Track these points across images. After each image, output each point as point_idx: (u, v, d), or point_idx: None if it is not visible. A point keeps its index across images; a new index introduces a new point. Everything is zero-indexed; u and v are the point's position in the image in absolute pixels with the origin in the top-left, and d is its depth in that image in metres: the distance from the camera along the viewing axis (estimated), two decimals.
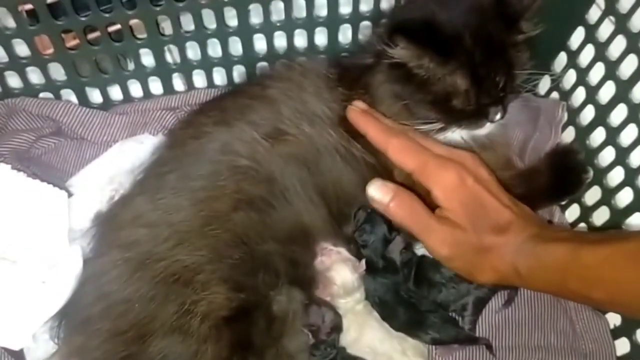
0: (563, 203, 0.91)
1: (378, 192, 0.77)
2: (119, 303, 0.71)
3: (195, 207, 0.75)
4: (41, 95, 0.92)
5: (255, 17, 0.89)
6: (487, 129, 0.78)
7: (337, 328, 0.78)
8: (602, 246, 0.68)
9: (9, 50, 0.85)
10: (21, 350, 0.77)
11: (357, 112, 0.79)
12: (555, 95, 0.95)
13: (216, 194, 0.76)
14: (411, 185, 0.78)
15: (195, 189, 0.76)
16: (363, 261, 0.81)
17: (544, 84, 0.95)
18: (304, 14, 0.89)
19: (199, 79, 0.96)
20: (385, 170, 0.80)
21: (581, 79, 0.87)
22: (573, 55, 0.88)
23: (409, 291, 0.82)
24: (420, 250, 0.85)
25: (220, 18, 0.87)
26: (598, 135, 0.85)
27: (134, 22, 0.85)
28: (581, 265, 0.68)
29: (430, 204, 0.75)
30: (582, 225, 0.88)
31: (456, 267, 0.77)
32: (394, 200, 0.76)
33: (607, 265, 0.67)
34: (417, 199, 0.75)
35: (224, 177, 0.76)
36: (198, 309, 0.69)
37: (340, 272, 0.80)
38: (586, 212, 0.87)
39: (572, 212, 0.90)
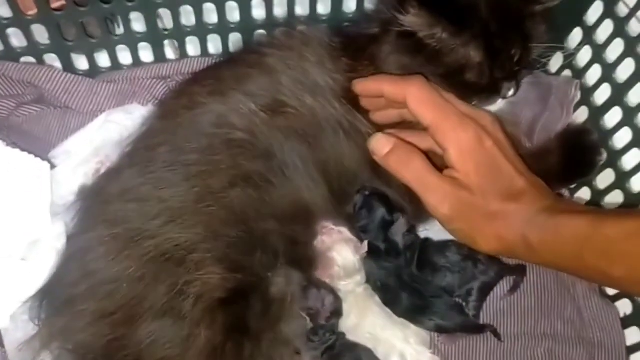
0: (573, 186, 0.88)
1: (377, 143, 0.72)
2: (106, 283, 0.67)
3: (189, 183, 0.71)
4: (23, 59, 0.88)
5: None
6: (496, 105, 0.75)
7: (337, 313, 0.75)
8: (627, 219, 0.64)
9: None
10: None
11: (364, 79, 0.74)
12: (567, 73, 0.92)
13: (211, 168, 0.72)
14: None
15: (189, 163, 0.73)
16: (365, 242, 0.78)
17: (555, 61, 0.92)
18: None
19: (192, 46, 0.92)
20: None
21: (597, 57, 0.84)
22: (589, 32, 0.85)
23: (412, 275, 0.79)
24: (423, 233, 0.83)
25: None
26: (614, 116, 0.83)
27: None
28: (602, 239, 0.64)
29: (441, 166, 0.72)
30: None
31: (457, 229, 0.72)
32: (392, 152, 0.71)
33: (633, 239, 0.63)
34: (418, 152, 0.71)
35: (219, 151, 0.73)
36: (191, 290, 0.66)
37: (341, 252, 0.78)
38: (597, 196, 0.85)
39: (582, 196, 0.88)
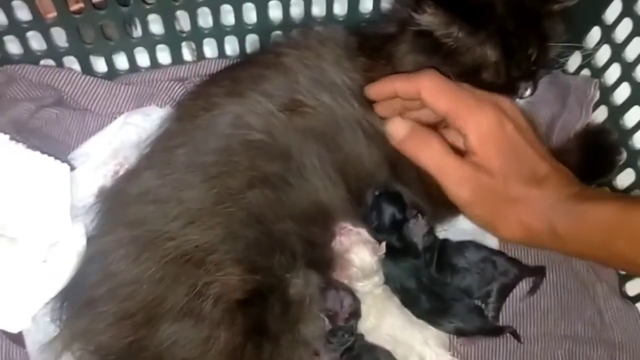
0: (592, 186, 0.86)
1: (394, 126, 0.71)
2: (126, 284, 0.67)
3: (207, 184, 0.71)
4: (42, 62, 0.89)
5: None
6: None
7: (355, 314, 0.75)
8: None
9: (9, 13, 0.80)
10: (20, 333, 0.75)
11: (376, 83, 0.73)
12: (586, 72, 0.91)
13: (229, 169, 0.72)
14: None
15: (207, 165, 0.73)
16: (383, 244, 0.78)
17: (574, 60, 0.91)
18: None
19: (209, 48, 0.92)
20: None
21: (616, 55, 0.83)
22: (608, 30, 0.84)
23: (431, 278, 0.79)
24: (442, 234, 0.82)
25: None
26: (633, 115, 0.82)
27: None
28: (632, 226, 0.62)
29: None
30: None
31: (477, 214, 0.69)
32: (409, 136, 0.70)
33: None
34: (436, 135, 0.69)
35: (237, 152, 0.73)
36: (210, 291, 0.66)
37: (359, 253, 0.77)
38: None
39: None
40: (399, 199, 0.78)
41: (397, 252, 0.78)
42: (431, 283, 0.78)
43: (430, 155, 0.69)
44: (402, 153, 0.71)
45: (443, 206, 0.79)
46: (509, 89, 0.72)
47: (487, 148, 0.67)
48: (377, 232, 0.79)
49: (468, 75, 0.71)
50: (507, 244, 0.76)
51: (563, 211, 0.65)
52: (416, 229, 0.78)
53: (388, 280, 0.78)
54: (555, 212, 0.65)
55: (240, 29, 0.89)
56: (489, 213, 0.68)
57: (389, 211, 0.78)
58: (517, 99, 0.73)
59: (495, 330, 0.78)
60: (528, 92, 0.73)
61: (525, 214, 0.67)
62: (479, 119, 0.66)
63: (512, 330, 0.78)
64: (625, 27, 0.81)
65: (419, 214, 0.78)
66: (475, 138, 0.66)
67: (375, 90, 0.74)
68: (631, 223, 0.62)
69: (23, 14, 0.81)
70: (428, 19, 0.69)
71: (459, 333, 0.78)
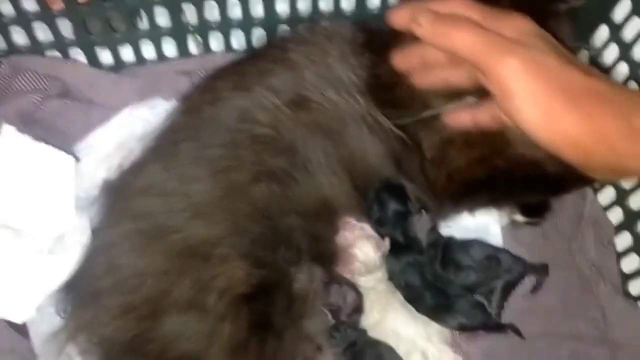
0: (597, 185, 0.87)
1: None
2: (131, 277, 0.68)
3: (213, 178, 0.71)
4: (48, 53, 0.88)
5: None
6: None
7: (358, 309, 0.75)
8: None
9: (16, 3, 0.80)
10: (24, 324, 0.75)
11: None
12: None
13: (235, 164, 0.72)
14: (441, 159, 0.75)
15: (213, 159, 0.73)
16: (387, 240, 0.78)
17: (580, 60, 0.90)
18: None
19: (215, 41, 0.91)
20: (415, 142, 0.76)
21: (624, 55, 0.82)
22: (616, 29, 0.83)
23: (435, 274, 0.79)
24: (446, 231, 0.82)
25: None
26: None
27: None
28: None
29: None
30: (618, 209, 0.85)
31: (531, 101, 0.54)
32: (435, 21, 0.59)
33: None
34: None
35: (243, 147, 0.73)
36: (215, 284, 0.67)
37: (362, 248, 0.78)
38: (622, 195, 0.84)
39: (607, 195, 0.87)
40: (401, 192, 0.78)
41: (401, 248, 0.78)
42: (435, 279, 0.78)
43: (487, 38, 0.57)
44: (433, 42, 0.60)
45: (447, 201, 0.79)
46: None
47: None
48: (379, 225, 0.79)
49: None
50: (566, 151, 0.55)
51: None
52: (420, 224, 0.78)
53: (392, 277, 0.78)
54: (633, 107, 0.53)
55: (247, 23, 0.88)
56: (547, 96, 0.54)
57: (390, 203, 0.78)
58: None
59: (497, 327, 0.78)
60: None
61: (594, 103, 0.54)
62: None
63: (514, 328, 0.78)
64: (634, 26, 0.80)
65: (422, 210, 0.78)
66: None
67: (399, 60, 0.68)
68: None
69: (29, 4, 0.80)
70: None
71: (463, 329, 0.78)
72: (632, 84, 0.81)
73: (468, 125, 0.67)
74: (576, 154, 0.54)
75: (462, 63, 0.58)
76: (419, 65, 0.66)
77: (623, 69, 0.83)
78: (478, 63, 0.56)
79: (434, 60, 0.64)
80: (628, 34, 0.82)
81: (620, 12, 0.82)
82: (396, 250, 0.78)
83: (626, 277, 0.84)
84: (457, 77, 0.63)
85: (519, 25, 0.58)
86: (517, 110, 0.55)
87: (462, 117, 0.67)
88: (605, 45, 0.85)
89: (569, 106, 0.53)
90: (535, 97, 0.54)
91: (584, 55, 0.89)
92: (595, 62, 0.88)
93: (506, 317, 0.80)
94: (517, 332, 0.78)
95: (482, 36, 0.56)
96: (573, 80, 0.54)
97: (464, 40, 0.56)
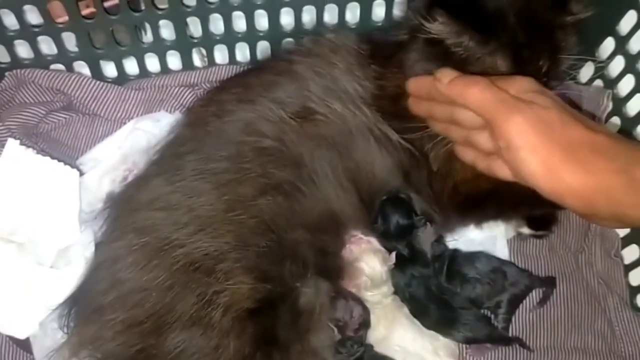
0: None
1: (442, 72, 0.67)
2: (135, 292, 0.67)
3: (218, 191, 0.71)
4: (52, 66, 0.88)
5: None
6: None
7: (365, 324, 0.75)
8: None
9: (20, 17, 0.80)
10: (27, 339, 0.74)
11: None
12: (598, 83, 0.90)
13: (240, 177, 0.72)
14: (447, 171, 0.75)
15: (218, 172, 0.72)
16: (393, 254, 0.78)
17: (586, 71, 0.90)
18: None
19: (220, 54, 0.92)
20: (422, 154, 0.76)
21: (630, 67, 0.83)
22: (622, 41, 0.83)
23: (440, 286, 0.78)
24: (452, 244, 0.82)
25: None
26: None
27: None
28: None
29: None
30: None
31: (533, 145, 0.59)
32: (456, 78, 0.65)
33: None
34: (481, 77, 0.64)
35: (248, 159, 0.72)
36: (220, 299, 0.66)
37: (369, 262, 0.77)
38: None
39: None
40: (406, 204, 0.78)
41: (406, 261, 0.78)
42: (440, 292, 0.77)
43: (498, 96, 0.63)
44: (450, 96, 0.66)
45: (454, 214, 0.78)
46: None
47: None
48: (383, 238, 0.78)
49: None
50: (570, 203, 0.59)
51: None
52: (424, 236, 0.77)
53: (397, 290, 0.77)
54: (632, 158, 0.56)
55: (251, 36, 0.88)
56: (549, 150, 0.58)
57: (393, 217, 0.77)
58: None
59: (503, 339, 0.78)
60: None
61: (594, 156, 0.57)
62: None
63: (520, 341, 0.78)
64: (639, 39, 0.81)
65: (427, 222, 0.78)
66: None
67: (414, 82, 0.72)
68: None
69: (34, 17, 0.81)
70: (439, 27, 0.68)
71: (468, 342, 0.77)
72: (638, 96, 0.81)
73: (468, 161, 0.70)
74: (579, 205, 0.58)
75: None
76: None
77: (629, 81, 0.83)
78: (488, 118, 0.62)
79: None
80: (634, 46, 0.82)
81: (626, 24, 0.83)
82: (401, 263, 0.77)
83: (634, 290, 0.84)
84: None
85: (523, 84, 0.64)
86: (521, 163, 0.59)
87: (467, 153, 0.70)
88: (611, 57, 0.85)
89: (570, 160, 0.57)
90: (537, 151, 0.58)
91: (590, 67, 0.89)
92: (601, 75, 0.88)
93: (513, 331, 0.80)
94: (523, 344, 0.78)
95: (491, 94, 0.62)
96: (574, 134, 0.58)
97: (476, 97, 0.62)
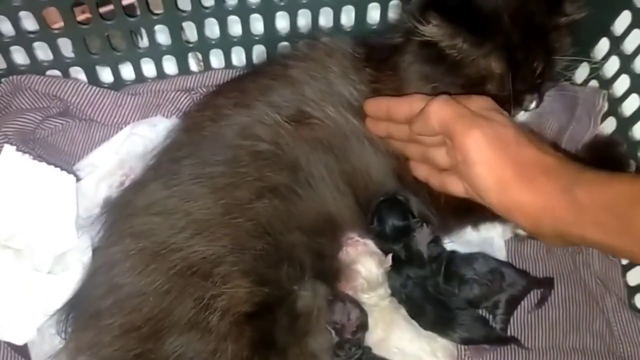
0: None
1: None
2: (132, 296, 0.67)
3: (215, 195, 0.71)
4: (48, 72, 0.88)
5: None
6: (520, 117, 0.74)
7: (363, 326, 0.75)
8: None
9: (16, 23, 0.80)
10: (25, 345, 0.74)
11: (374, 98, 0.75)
12: (594, 83, 0.90)
13: (237, 180, 0.72)
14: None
15: (214, 176, 0.72)
16: (389, 256, 0.78)
17: (581, 71, 0.90)
18: None
19: (216, 59, 0.92)
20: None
21: (625, 67, 0.83)
22: (617, 42, 0.83)
23: (437, 287, 0.78)
24: (450, 245, 0.82)
25: None
26: None
27: None
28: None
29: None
30: None
31: (485, 161, 0.62)
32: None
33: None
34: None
35: (244, 163, 0.73)
36: (217, 304, 0.66)
37: (365, 265, 0.77)
38: None
39: None
40: (402, 206, 0.78)
41: (402, 262, 0.78)
42: (437, 292, 0.77)
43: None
44: (410, 112, 0.69)
45: (451, 216, 0.79)
46: (514, 102, 0.71)
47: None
48: (379, 239, 0.78)
49: (472, 86, 0.70)
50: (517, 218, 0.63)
51: (584, 179, 0.59)
52: (420, 237, 0.77)
53: (394, 291, 0.78)
54: (575, 179, 0.59)
55: (247, 40, 0.89)
56: (503, 167, 0.62)
57: (389, 218, 0.77)
58: (522, 111, 0.73)
59: (499, 339, 0.78)
60: (533, 104, 0.72)
61: (542, 176, 0.60)
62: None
63: (516, 341, 0.78)
64: (634, 39, 0.81)
65: (423, 223, 0.78)
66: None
67: (371, 104, 0.75)
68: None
69: (29, 24, 0.81)
70: (432, 30, 0.68)
71: (465, 342, 0.77)
72: (634, 97, 0.82)
73: (421, 177, 0.74)
74: (525, 222, 0.62)
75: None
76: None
77: (624, 82, 0.83)
78: (446, 132, 0.64)
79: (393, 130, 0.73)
80: (629, 46, 0.82)
81: (620, 24, 0.83)
82: (397, 264, 0.78)
83: (632, 290, 0.84)
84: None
85: (482, 102, 0.66)
86: (476, 177, 0.63)
87: (421, 170, 0.74)
88: (606, 57, 0.86)
89: (521, 178, 0.60)
90: (492, 168, 0.62)
91: (585, 68, 0.89)
92: (596, 75, 0.88)
93: (512, 331, 0.80)
94: (519, 344, 0.78)
95: (452, 109, 0.64)
96: (527, 154, 0.62)
97: (436, 111, 0.65)
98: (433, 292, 0.77)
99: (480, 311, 0.79)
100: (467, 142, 0.62)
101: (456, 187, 0.68)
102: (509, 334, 0.79)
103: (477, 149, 0.62)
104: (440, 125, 0.65)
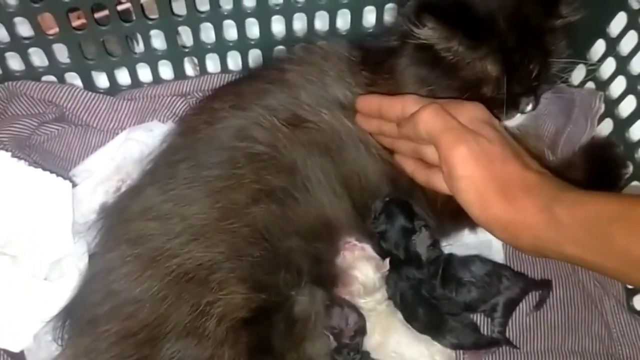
0: None
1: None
2: (129, 303, 0.66)
3: (211, 199, 0.70)
4: (44, 78, 0.88)
5: None
6: (517, 119, 0.74)
7: (361, 331, 0.74)
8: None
9: (11, 29, 0.80)
10: (22, 352, 0.74)
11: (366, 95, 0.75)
12: (590, 85, 0.90)
13: (233, 183, 0.71)
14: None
15: (210, 179, 0.72)
16: (387, 260, 0.77)
17: (578, 73, 0.90)
18: None
19: (212, 63, 0.92)
20: None
21: (621, 68, 0.83)
22: (613, 43, 0.83)
23: (432, 290, 0.78)
24: (447, 248, 0.82)
25: None
26: (639, 128, 0.81)
27: (144, 0, 0.81)
28: (634, 215, 0.57)
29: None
30: None
31: (469, 175, 0.63)
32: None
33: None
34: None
35: (240, 165, 0.72)
36: (214, 310, 0.66)
37: (362, 270, 0.76)
38: None
39: None
40: (409, 209, 0.78)
41: (400, 263, 0.77)
42: (431, 296, 0.77)
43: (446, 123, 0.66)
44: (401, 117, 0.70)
45: (447, 218, 0.78)
46: (510, 104, 0.71)
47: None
48: (383, 239, 0.78)
49: (468, 89, 0.70)
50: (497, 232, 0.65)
51: (563, 197, 0.60)
52: (420, 240, 0.77)
53: (390, 293, 0.77)
54: (555, 197, 0.61)
55: (242, 44, 0.88)
56: (486, 184, 0.63)
57: (399, 217, 0.77)
58: (519, 114, 0.73)
59: (490, 342, 0.78)
60: (530, 107, 0.72)
61: (523, 194, 0.62)
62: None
63: (509, 343, 0.78)
64: (630, 40, 0.81)
65: (422, 227, 0.78)
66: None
67: (363, 101, 0.75)
68: (632, 212, 0.58)
69: (24, 30, 0.81)
70: (428, 33, 0.68)
71: (455, 347, 0.77)
72: (630, 98, 0.82)
73: (407, 172, 0.75)
74: (505, 236, 0.64)
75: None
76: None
77: (621, 83, 0.83)
78: (434, 142, 0.65)
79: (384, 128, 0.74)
80: (625, 47, 0.82)
81: (616, 26, 0.83)
82: (395, 265, 0.77)
83: (630, 293, 0.84)
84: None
85: (473, 112, 0.67)
86: (459, 191, 0.64)
87: (407, 164, 0.74)
88: (602, 59, 0.86)
89: (503, 195, 0.62)
90: (475, 184, 0.63)
91: (581, 70, 0.89)
92: (592, 77, 0.88)
93: (510, 334, 0.80)
94: (511, 345, 0.78)
95: (441, 120, 0.65)
96: (510, 171, 0.63)
97: (425, 121, 0.66)
98: (426, 296, 0.77)
99: (477, 315, 0.79)
100: (453, 157, 0.63)
101: (442, 184, 0.68)
102: (507, 336, 0.79)
103: (462, 164, 0.63)
104: (427, 134, 0.66)
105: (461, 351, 0.78)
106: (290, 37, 0.88)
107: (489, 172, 0.63)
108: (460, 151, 0.63)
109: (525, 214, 0.61)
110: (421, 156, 0.70)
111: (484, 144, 0.64)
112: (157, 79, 0.91)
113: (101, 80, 0.90)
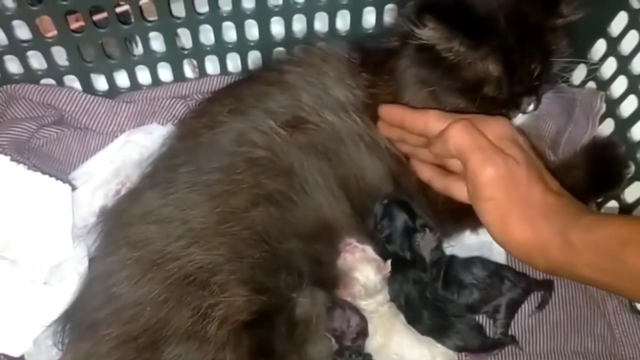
0: (600, 200, 0.86)
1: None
2: (129, 306, 0.66)
3: (211, 203, 0.70)
4: (43, 81, 0.88)
5: None
6: (518, 119, 0.74)
7: (362, 333, 0.74)
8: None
9: (9, 32, 0.80)
10: (22, 357, 0.74)
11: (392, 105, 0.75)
12: (591, 85, 0.90)
13: (233, 188, 0.71)
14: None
15: (210, 183, 0.72)
16: (388, 262, 0.77)
17: (579, 73, 0.90)
18: None
19: (211, 65, 0.91)
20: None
21: (622, 68, 0.82)
22: (614, 43, 0.83)
23: (436, 293, 0.77)
24: (449, 250, 0.81)
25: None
26: None
27: (143, 2, 0.81)
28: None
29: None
30: None
31: (493, 197, 0.64)
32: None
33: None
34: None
35: (240, 170, 0.72)
36: (215, 313, 0.65)
37: (363, 272, 0.76)
38: (625, 210, 0.83)
39: (610, 210, 0.85)
40: (409, 207, 0.78)
41: (406, 264, 0.77)
42: (435, 299, 0.77)
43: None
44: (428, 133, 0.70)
45: (449, 219, 0.78)
46: (512, 104, 0.71)
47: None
48: (388, 242, 0.78)
49: (470, 89, 0.70)
50: (512, 252, 0.67)
51: (578, 221, 0.62)
52: (424, 242, 0.77)
53: (393, 296, 0.77)
54: (570, 222, 0.62)
55: (242, 46, 0.88)
56: (505, 201, 0.64)
57: (400, 217, 0.77)
58: (520, 113, 0.72)
59: (494, 345, 0.77)
60: (531, 107, 0.72)
61: (541, 217, 0.63)
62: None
63: (514, 341, 0.77)
64: (631, 40, 0.80)
65: (426, 229, 0.77)
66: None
67: (386, 110, 0.74)
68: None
69: (23, 33, 0.80)
70: (428, 33, 0.68)
71: (459, 350, 0.77)
72: (631, 98, 0.81)
73: (424, 179, 0.75)
74: (520, 255, 0.65)
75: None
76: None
77: (622, 83, 0.83)
78: (462, 160, 0.65)
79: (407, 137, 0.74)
80: (626, 47, 0.82)
81: (617, 25, 0.83)
82: (400, 267, 0.77)
83: None
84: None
85: (499, 129, 0.67)
86: (482, 212, 0.65)
87: (424, 170, 0.74)
88: (604, 59, 0.85)
89: (523, 219, 0.63)
90: (499, 207, 0.64)
91: (582, 69, 0.88)
92: (593, 76, 0.88)
93: (513, 335, 0.79)
94: (516, 344, 0.78)
95: (470, 138, 0.65)
96: (533, 194, 0.64)
97: (454, 138, 0.65)
98: (431, 298, 0.76)
99: (480, 316, 0.79)
100: (481, 178, 0.64)
101: (461, 193, 0.68)
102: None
103: (489, 186, 0.64)
104: (457, 151, 0.65)
105: (463, 353, 0.77)
106: (289, 38, 0.88)
107: (514, 196, 0.63)
108: (488, 173, 0.63)
109: (541, 237, 0.62)
110: (443, 164, 0.70)
111: (512, 166, 0.64)
112: (156, 81, 0.91)
113: (100, 82, 0.90)
